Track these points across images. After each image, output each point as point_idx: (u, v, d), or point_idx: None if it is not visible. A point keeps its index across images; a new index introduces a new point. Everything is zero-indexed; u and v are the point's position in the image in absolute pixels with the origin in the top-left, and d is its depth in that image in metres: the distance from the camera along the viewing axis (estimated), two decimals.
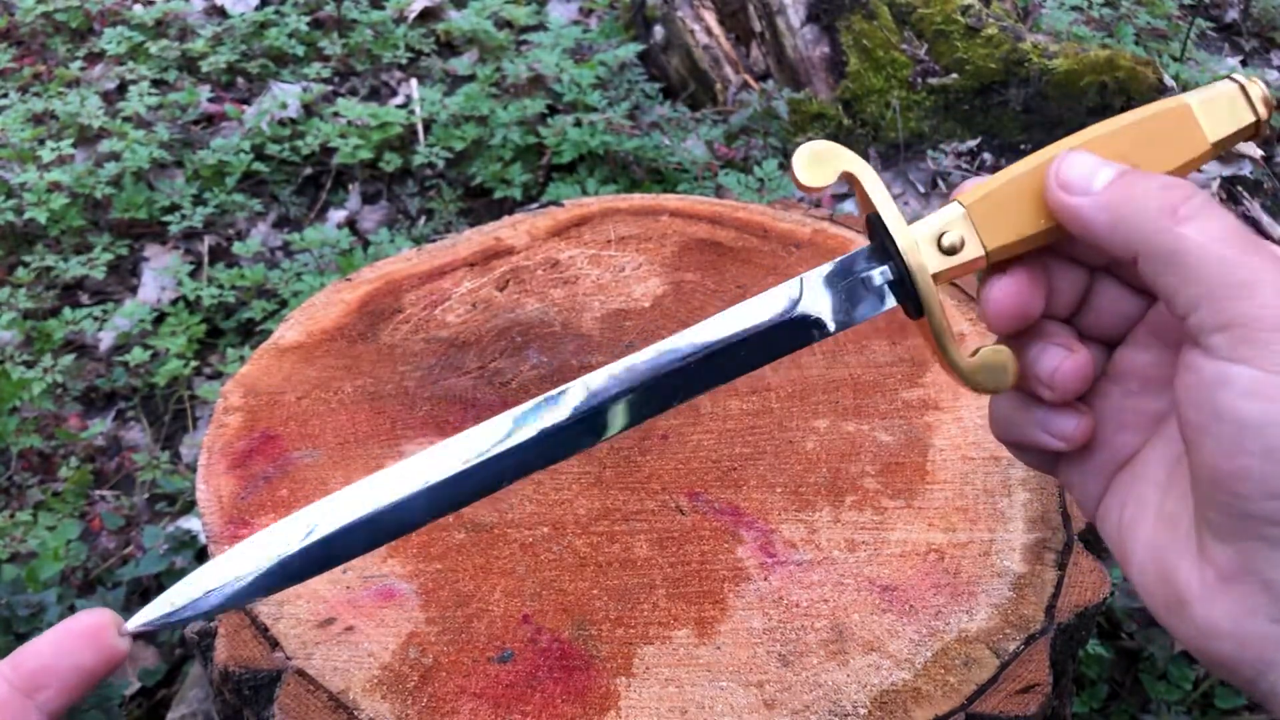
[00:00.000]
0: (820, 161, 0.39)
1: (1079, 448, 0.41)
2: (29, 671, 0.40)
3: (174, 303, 1.67)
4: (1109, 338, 0.42)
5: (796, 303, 0.41)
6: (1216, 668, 0.36)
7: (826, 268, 0.41)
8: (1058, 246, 0.40)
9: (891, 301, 0.41)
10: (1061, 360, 0.40)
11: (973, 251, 0.38)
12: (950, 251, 0.38)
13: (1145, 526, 0.38)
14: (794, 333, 0.41)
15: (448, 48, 2.29)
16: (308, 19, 2.26)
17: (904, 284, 0.39)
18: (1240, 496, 0.33)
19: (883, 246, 0.40)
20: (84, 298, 1.73)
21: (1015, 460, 0.61)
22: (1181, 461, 0.37)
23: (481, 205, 1.88)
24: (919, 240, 0.39)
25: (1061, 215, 0.38)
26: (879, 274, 0.40)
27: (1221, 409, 0.33)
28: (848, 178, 0.40)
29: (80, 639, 0.40)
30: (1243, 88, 0.38)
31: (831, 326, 0.41)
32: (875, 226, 0.41)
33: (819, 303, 0.41)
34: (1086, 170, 0.37)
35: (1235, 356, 0.32)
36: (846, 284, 0.41)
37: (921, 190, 1.88)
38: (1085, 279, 0.41)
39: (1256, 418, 0.32)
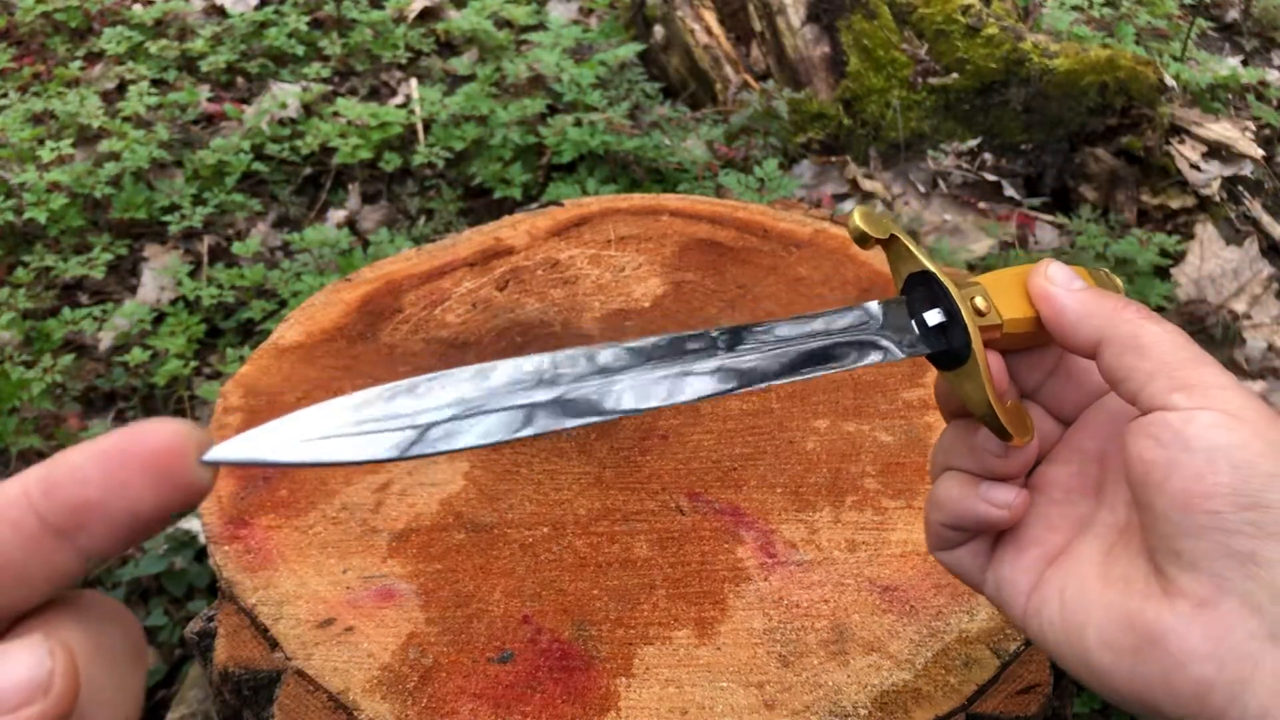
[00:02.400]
0: (875, 221, 0.46)
1: (1014, 522, 0.46)
2: (67, 504, 0.28)
3: (173, 303, 1.67)
4: None
5: (879, 324, 0.45)
6: (1188, 700, 0.37)
7: (889, 300, 0.46)
8: (1009, 364, 0.47)
9: (928, 348, 0.45)
10: None
11: (994, 319, 0.45)
12: (980, 313, 0.45)
13: (1094, 594, 0.42)
14: (865, 349, 0.45)
15: (447, 47, 2.29)
16: (307, 19, 2.25)
17: (947, 332, 0.45)
18: (1212, 513, 0.37)
19: (927, 299, 0.46)
20: (83, 298, 1.72)
21: None
22: (1118, 543, 0.43)
23: (481, 205, 1.88)
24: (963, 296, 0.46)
25: (1041, 299, 0.45)
26: (934, 314, 0.45)
27: (1191, 439, 0.38)
28: (893, 240, 0.46)
29: (142, 470, 0.28)
30: None
31: (899, 352, 0.45)
32: (916, 284, 0.46)
33: (890, 330, 0.46)
34: (1069, 273, 0.45)
35: (1196, 405, 0.39)
36: (905, 320, 0.46)
37: (922, 190, 1.88)
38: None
39: (1225, 440, 0.38)
